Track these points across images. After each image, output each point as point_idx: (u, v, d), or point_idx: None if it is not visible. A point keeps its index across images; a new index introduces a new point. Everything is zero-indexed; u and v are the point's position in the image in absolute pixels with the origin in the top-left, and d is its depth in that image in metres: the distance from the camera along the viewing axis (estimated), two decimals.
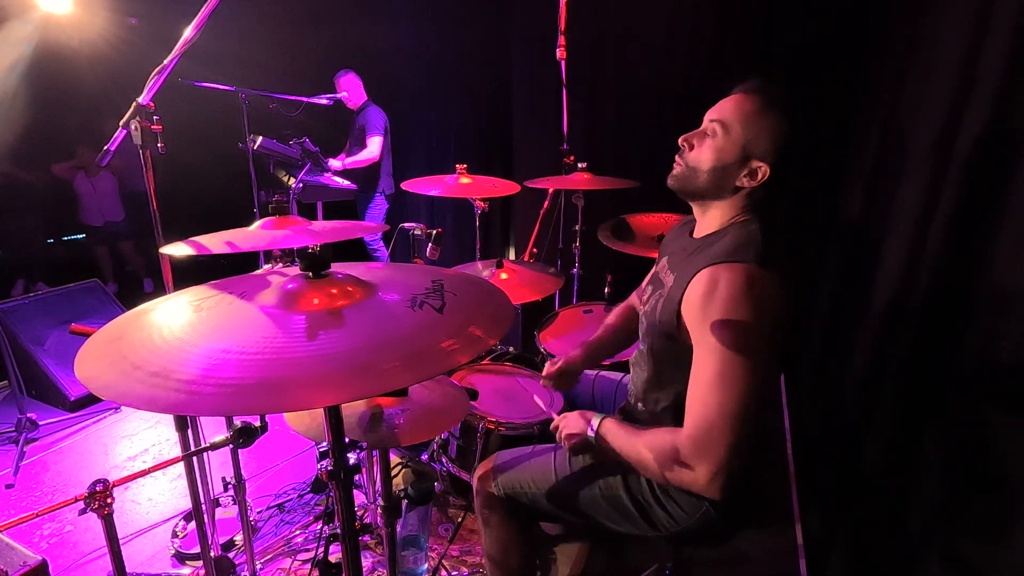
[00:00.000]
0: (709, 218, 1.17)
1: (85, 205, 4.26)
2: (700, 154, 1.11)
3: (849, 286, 2.01)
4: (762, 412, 1.05)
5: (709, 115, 1.13)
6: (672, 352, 1.12)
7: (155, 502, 2.12)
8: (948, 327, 1.38)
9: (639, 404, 1.27)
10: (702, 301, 1.01)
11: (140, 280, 4.54)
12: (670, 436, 1.03)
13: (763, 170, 1.07)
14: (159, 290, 1.20)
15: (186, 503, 2.06)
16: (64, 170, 4.11)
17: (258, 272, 1.45)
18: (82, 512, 1.01)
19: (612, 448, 1.12)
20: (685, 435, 1.00)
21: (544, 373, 1.50)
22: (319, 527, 1.89)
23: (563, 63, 2.31)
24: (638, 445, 1.08)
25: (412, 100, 4.03)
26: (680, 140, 1.15)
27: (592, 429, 1.15)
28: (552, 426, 1.26)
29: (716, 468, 0.97)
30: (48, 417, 2.63)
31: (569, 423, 1.21)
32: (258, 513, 2.03)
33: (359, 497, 1.98)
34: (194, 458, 1.44)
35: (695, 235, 1.20)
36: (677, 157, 1.16)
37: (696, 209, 1.21)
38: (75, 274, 3.20)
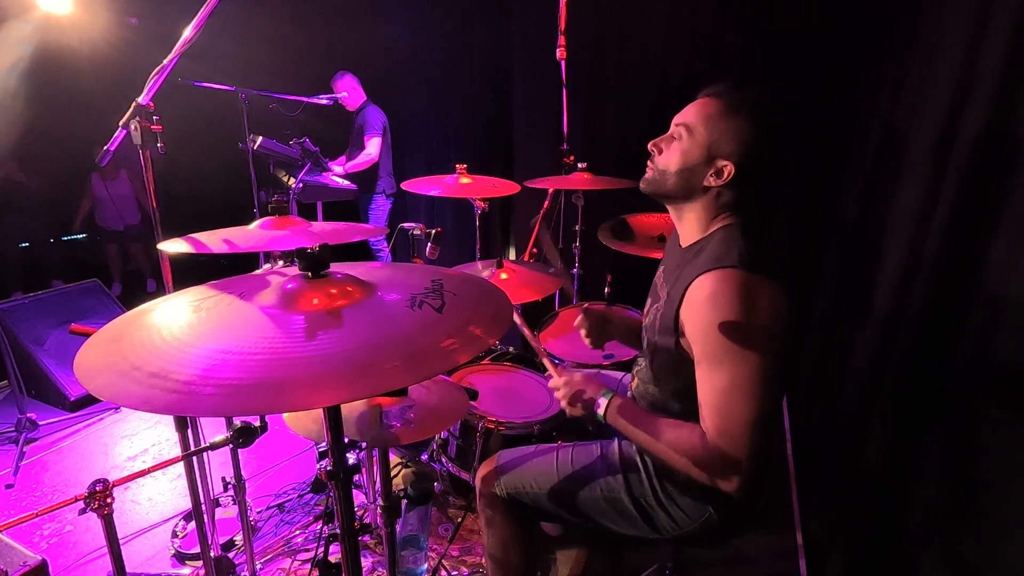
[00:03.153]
0: (687, 224, 1.18)
1: (102, 209, 4.27)
2: (668, 157, 1.13)
3: (849, 286, 2.01)
4: (773, 415, 1.05)
5: (675, 120, 1.14)
6: (672, 363, 1.12)
7: (155, 502, 2.12)
8: (948, 327, 1.38)
9: None
10: (701, 310, 1.02)
11: (143, 280, 4.55)
12: (695, 437, 1.02)
13: (728, 169, 1.08)
14: (161, 290, 1.20)
15: (186, 503, 2.06)
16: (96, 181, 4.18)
17: (257, 272, 1.45)
18: (82, 512, 1.00)
19: (626, 431, 1.11)
20: (710, 444, 0.99)
21: (584, 312, 1.41)
22: (319, 527, 1.90)
23: (563, 63, 2.31)
24: (661, 443, 1.06)
25: (412, 100, 4.03)
26: (649, 145, 1.17)
27: (600, 407, 1.13)
28: (552, 383, 1.22)
29: (742, 471, 0.98)
30: (48, 417, 2.63)
31: (577, 385, 1.17)
32: (258, 513, 2.03)
33: (359, 497, 1.98)
34: (194, 458, 1.44)
35: (682, 244, 1.20)
36: (648, 162, 1.18)
37: (672, 214, 1.21)
38: (80, 274, 3.21)
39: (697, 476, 1.03)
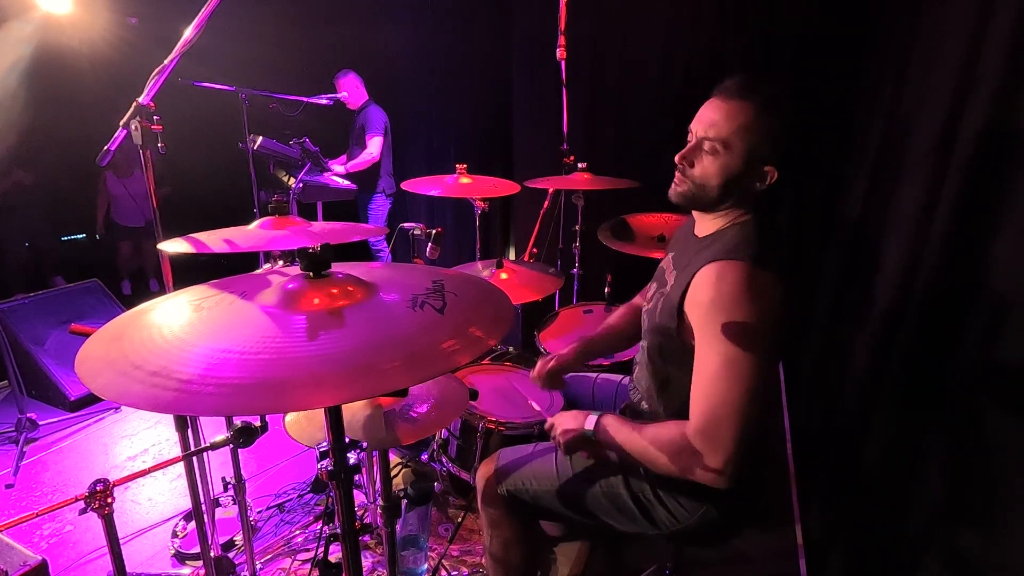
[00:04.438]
0: (711, 220, 1.18)
1: (120, 206, 4.26)
2: (706, 171, 1.10)
3: (849, 286, 2.01)
4: (764, 407, 1.05)
5: (701, 131, 1.10)
6: (673, 350, 1.13)
7: (155, 502, 2.12)
8: (948, 326, 1.38)
9: (642, 403, 1.27)
10: (704, 298, 1.03)
11: (146, 279, 4.55)
12: (677, 429, 1.03)
13: (771, 172, 1.08)
14: (162, 290, 1.20)
15: (186, 503, 2.06)
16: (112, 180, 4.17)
17: (258, 272, 1.45)
18: (82, 512, 1.00)
19: (614, 442, 1.12)
20: (693, 428, 1.00)
21: (535, 372, 1.49)
22: (319, 527, 1.89)
23: (563, 63, 2.31)
24: (643, 439, 1.07)
25: (412, 100, 4.02)
26: (677, 159, 1.14)
27: (590, 424, 1.15)
28: (547, 425, 1.25)
29: (725, 460, 0.98)
30: (48, 417, 2.63)
31: (565, 420, 1.20)
32: (258, 513, 2.03)
33: (359, 497, 1.98)
34: (194, 458, 1.44)
35: (698, 234, 1.20)
36: (678, 174, 1.14)
37: (697, 212, 1.21)
38: (82, 274, 3.20)
39: (683, 470, 1.02)
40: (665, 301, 1.14)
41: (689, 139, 1.13)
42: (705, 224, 1.19)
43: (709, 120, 1.09)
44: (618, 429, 1.12)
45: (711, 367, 1.00)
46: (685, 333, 1.09)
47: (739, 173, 1.08)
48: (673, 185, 1.16)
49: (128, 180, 4.22)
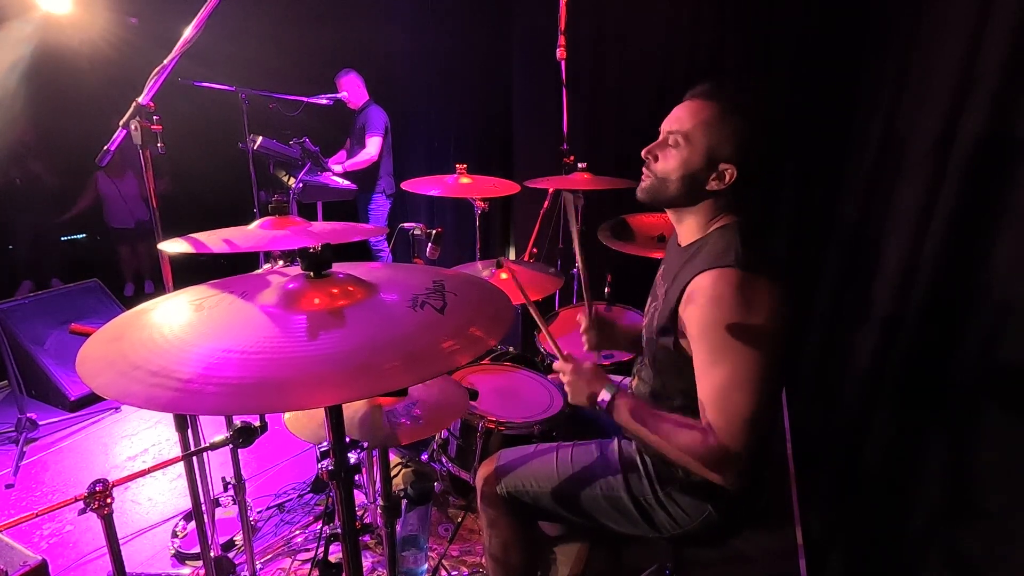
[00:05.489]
0: (687, 225, 1.18)
1: (110, 207, 4.24)
2: (667, 164, 1.12)
3: (849, 286, 2.01)
4: (771, 410, 1.05)
5: (668, 126, 1.13)
6: (672, 361, 1.13)
7: (155, 502, 2.12)
8: (948, 327, 1.38)
9: None
10: (698, 309, 1.02)
11: (143, 281, 4.54)
12: (700, 437, 1.01)
13: (730, 172, 1.08)
14: (161, 290, 1.20)
15: (186, 503, 2.06)
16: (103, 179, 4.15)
17: (258, 272, 1.45)
18: (82, 512, 1.00)
19: (627, 428, 1.10)
20: (711, 440, 0.99)
21: (591, 313, 1.41)
22: (319, 527, 1.89)
23: (563, 63, 2.31)
24: (663, 440, 1.05)
25: (412, 100, 4.03)
26: (643, 153, 1.16)
27: (603, 402, 1.11)
28: (557, 364, 1.18)
29: (740, 467, 0.99)
30: (48, 417, 2.63)
31: (584, 373, 1.14)
32: (258, 513, 2.03)
33: (359, 497, 1.98)
34: (194, 458, 1.44)
35: (681, 243, 1.21)
36: (644, 169, 1.17)
37: (672, 216, 1.21)
38: (82, 274, 3.20)
39: (695, 469, 1.03)
40: (659, 315, 1.14)
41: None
42: (684, 232, 1.19)
43: (675, 116, 1.13)
44: (639, 416, 1.08)
45: (719, 378, 0.99)
46: (681, 343, 1.09)
47: (698, 168, 1.09)
48: (640, 182, 1.18)
49: (119, 180, 4.19)
